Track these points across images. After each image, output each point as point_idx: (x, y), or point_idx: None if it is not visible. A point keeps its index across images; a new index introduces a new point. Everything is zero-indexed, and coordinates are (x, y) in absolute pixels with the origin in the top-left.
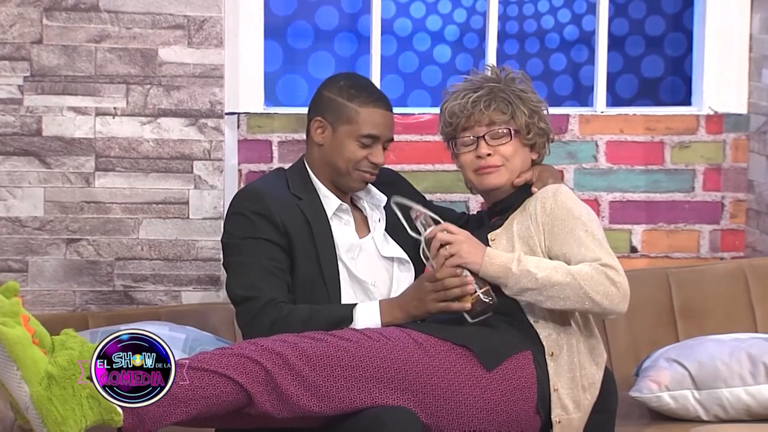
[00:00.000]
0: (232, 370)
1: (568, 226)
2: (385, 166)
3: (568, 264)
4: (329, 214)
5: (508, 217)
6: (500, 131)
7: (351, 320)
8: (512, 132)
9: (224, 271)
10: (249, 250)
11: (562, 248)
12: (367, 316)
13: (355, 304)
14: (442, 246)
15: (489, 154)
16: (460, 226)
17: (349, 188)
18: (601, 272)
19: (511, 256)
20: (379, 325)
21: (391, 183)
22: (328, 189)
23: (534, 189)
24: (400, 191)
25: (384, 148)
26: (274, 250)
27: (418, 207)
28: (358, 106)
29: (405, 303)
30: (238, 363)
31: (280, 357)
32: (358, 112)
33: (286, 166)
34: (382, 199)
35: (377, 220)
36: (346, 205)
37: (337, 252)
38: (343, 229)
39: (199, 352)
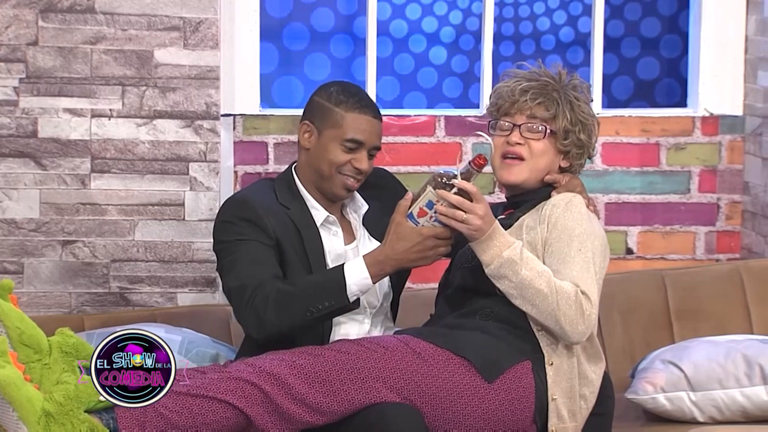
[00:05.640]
0: (231, 395)
1: (562, 240)
2: (378, 166)
3: None
4: (318, 223)
5: (519, 217)
6: (537, 127)
7: (344, 280)
8: (548, 131)
9: (219, 276)
10: (238, 248)
11: (549, 259)
12: (357, 277)
13: (342, 267)
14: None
15: (518, 143)
16: None
17: (333, 195)
18: (579, 299)
19: (511, 241)
20: (370, 282)
21: (381, 186)
22: (315, 200)
23: (554, 193)
24: (390, 194)
25: (370, 156)
26: (264, 248)
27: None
28: (344, 111)
29: (398, 257)
30: (236, 387)
31: (277, 378)
32: (343, 116)
33: (282, 167)
34: (363, 207)
35: (358, 227)
36: (333, 217)
37: (327, 260)
38: (331, 239)
39: (197, 378)
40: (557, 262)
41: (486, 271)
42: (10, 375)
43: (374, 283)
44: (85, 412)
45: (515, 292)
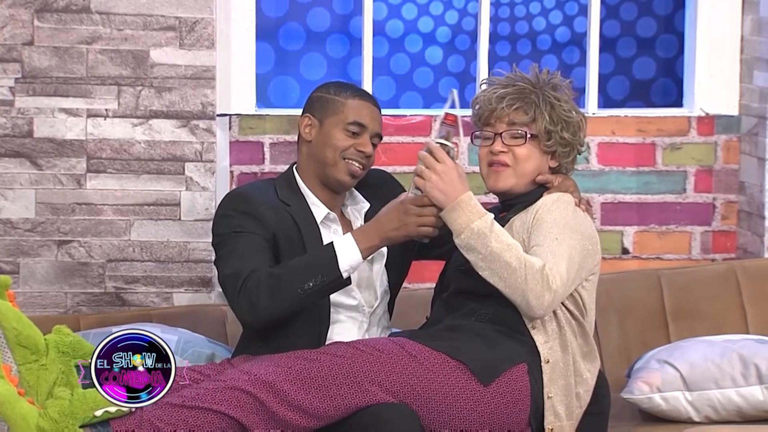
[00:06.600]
0: (226, 405)
1: (542, 229)
2: (376, 167)
3: None
4: (318, 220)
5: (510, 219)
6: (518, 132)
7: (334, 253)
8: (528, 135)
9: (216, 269)
10: (236, 240)
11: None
12: (346, 250)
13: (332, 243)
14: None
15: (502, 152)
16: None
17: (337, 182)
18: (545, 273)
19: (482, 212)
20: (360, 256)
21: (379, 185)
22: (317, 197)
23: (545, 194)
24: (388, 193)
25: (373, 145)
26: (261, 240)
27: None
28: (344, 99)
29: (382, 228)
30: (232, 396)
31: (272, 386)
32: (344, 103)
33: (278, 167)
34: (365, 205)
35: (358, 225)
36: (333, 214)
37: None
38: (331, 237)
39: (192, 388)
40: (531, 246)
41: (456, 241)
42: (3, 393)
43: (364, 257)
44: (80, 427)
45: (484, 264)
